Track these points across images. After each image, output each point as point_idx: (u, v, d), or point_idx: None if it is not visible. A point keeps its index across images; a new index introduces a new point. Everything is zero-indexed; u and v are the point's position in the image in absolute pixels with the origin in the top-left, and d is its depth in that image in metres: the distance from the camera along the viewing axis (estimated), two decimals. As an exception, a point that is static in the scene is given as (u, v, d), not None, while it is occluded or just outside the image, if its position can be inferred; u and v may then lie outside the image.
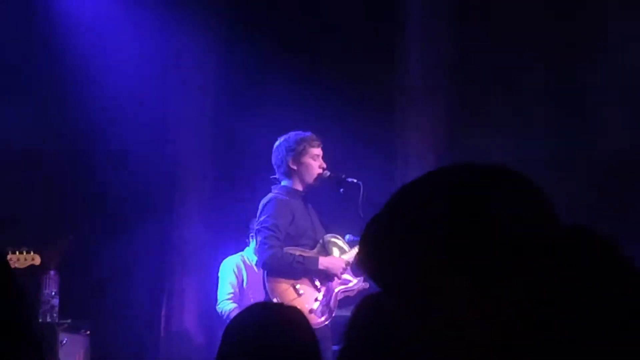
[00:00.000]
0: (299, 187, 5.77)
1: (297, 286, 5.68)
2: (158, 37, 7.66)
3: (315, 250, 5.77)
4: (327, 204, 6.00)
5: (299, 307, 3.15)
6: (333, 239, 5.88)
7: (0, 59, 7.33)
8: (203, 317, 7.60)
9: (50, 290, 6.60)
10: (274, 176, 5.85)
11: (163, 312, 7.76)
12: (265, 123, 6.73)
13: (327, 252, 5.81)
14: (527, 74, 7.27)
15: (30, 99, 7.49)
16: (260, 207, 5.75)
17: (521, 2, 7.38)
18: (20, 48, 7.45)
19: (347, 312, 5.29)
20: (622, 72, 6.96)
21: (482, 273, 1.16)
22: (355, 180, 5.80)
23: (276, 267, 5.62)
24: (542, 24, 7.29)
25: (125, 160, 7.62)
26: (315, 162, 5.75)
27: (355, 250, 5.80)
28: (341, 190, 5.83)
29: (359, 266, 1.30)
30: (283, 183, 5.80)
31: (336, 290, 5.80)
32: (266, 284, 5.69)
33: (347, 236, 5.94)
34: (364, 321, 2.26)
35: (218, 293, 6.80)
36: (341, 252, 5.86)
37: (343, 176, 5.84)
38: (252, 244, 6.64)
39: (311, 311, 5.63)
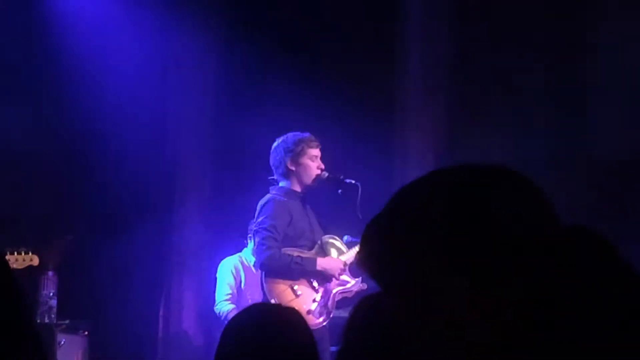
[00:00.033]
0: (297, 188, 5.77)
1: (295, 287, 5.68)
2: (158, 37, 7.66)
3: (313, 251, 5.77)
4: (325, 205, 6.00)
5: (296, 308, 3.15)
6: (331, 240, 5.88)
7: (0, 59, 7.33)
8: (201, 318, 7.60)
9: (49, 291, 6.59)
10: (272, 177, 5.84)
11: (161, 313, 7.76)
12: (265, 123, 6.72)
13: (325, 253, 5.81)
14: (527, 74, 7.27)
15: (30, 99, 7.49)
16: (258, 208, 5.74)
17: (521, 2, 7.38)
18: (20, 48, 7.45)
19: (345, 313, 5.31)
20: (622, 72, 6.96)
21: (482, 273, 1.16)
22: (353, 182, 5.80)
23: (274, 268, 5.62)
24: (542, 24, 7.29)
25: (125, 161, 7.61)
26: (313, 163, 5.75)
27: (353, 251, 5.80)
28: (339, 191, 5.83)
29: (359, 266, 1.30)
30: (281, 184, 5.80)
31: (334, 291, 5.80)
32: (264, 285, 5.69)
33: (345, 237, 5.94)
34: (362, 322, 2.26)
35: (216, 294, 6.80)
36: (339, 253, 5.85)
37: (341, 177, 5.83)
38: (250, 245, 6.64)
39: (309, 312, 5.63)
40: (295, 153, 5.72)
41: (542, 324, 1.15)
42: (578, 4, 7.26)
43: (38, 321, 6.38)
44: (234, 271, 6.81)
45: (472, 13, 7.50)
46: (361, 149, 7.19)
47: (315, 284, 5.74)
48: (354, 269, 5.84)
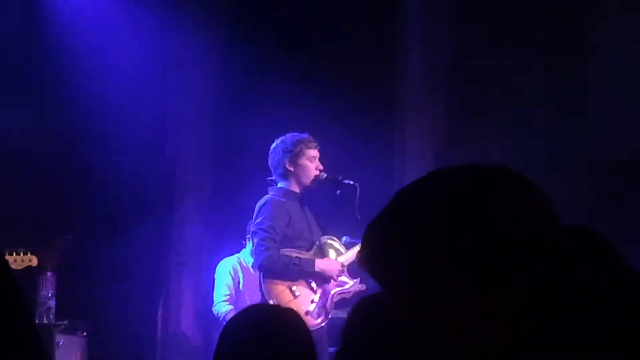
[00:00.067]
0: (296, 189, 5.76)
1: (294, 288, 5.68)
2: (158, 37, 7.65)
3: (311, 252, 5.77)
4: (323, 206, 6.00)
5: (295, 308, 3.15)
6: (329, 241, 5.88)
7: (0, 59, 7.33)
8: (200, 318, 7.59)
9: (47, 291, 6.58)
10: (271, 178, 5.84)
11: (160, 314, 7.75)
12: (265, 123, 6.72)
13: (323, 254, 5.81)
14: (527, 74, 7.27)
15: (30, 99, 7.49)
16: (256, 208, 5.74)
17: (521, 2, 7.38)
18: (20, 48, 7.45)
19: (343, 314, 5.32)
20: (622, 72, 6.97)
21: (483, 273, 1.16)
22: (352, 182, 5.79)
23: (272, 269, 5.61)
24: (542, 24, 7.29)
25: (125, 161, 7.61)
26: (312, 164, 5.74)
27: (352, 252, 5.80)
28: (338, 192, 5.83)
29: (360, 266, 1.30)
30: (280, 185, 5.80)
31: (332, 292, 5.80)
32: (262, 286, 5.68)
33: (344, 238, 5.94)
34: (361, 322, 2.26)
35: (214, 295, 6.79)
36: (337, 254, 5.85)
37: (340, 178, 5.83)
38: (249, 245, 6.63)
39: (307, 313, 5.62)
40: (293, 154, 5.71)
41: (542, 324, 1.15)
42: (578, 4, 7.27)
43: (36, 322, 6.37)
44: (232, 272, 6.80)
45: (472, 13, 7.50)
46: (361, 149, 7.19)
47: (313, 284, 5.74)
48: (352, 269, 5.84)
